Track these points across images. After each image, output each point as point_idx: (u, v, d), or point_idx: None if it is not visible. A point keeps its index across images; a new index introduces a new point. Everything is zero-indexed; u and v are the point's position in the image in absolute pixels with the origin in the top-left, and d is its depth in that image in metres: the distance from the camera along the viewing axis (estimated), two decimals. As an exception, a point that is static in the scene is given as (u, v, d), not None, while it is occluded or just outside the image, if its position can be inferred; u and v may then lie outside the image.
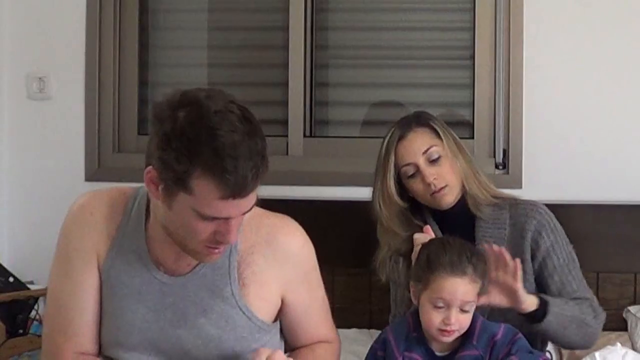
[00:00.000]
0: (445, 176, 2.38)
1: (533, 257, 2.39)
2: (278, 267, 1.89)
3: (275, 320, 1.94)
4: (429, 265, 2.08)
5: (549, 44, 3.14)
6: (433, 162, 2.39)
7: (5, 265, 3.18)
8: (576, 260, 2.42)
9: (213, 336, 1.84)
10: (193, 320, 1.84)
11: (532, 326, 2.23)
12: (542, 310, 2.22)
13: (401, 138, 2.42)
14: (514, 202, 2.45)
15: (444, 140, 2.41)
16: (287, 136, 3.34)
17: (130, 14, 3.44)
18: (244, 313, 1.85)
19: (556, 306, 2.24)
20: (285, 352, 1.95)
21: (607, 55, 3.12)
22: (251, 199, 1.70)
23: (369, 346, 2.21)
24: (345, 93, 3.44)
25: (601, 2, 3.13)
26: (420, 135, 2.41)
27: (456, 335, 2.07)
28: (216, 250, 1.77)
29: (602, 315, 2.38)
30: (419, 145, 2.40)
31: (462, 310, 2.05)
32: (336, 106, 3.45)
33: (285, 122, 3.36)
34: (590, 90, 3.13)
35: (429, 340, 2.11)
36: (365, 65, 3.39)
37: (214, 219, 1.69)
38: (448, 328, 2.04)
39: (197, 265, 1.85)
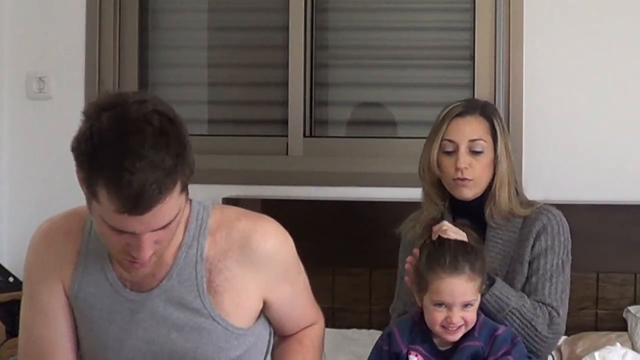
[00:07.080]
0: (476, 171, 2.34)
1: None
2: (255, 271, 1.81)
3: (257, 319, 1.88)
4: (427, 268, 2.11)
5: (549, 44, 3.14)
6: (474, 153, 2.35)
7: (5, 265, 3.18)
8: (566, 274, 2.35)
9: (188, 350, 1.80)
10: (166, 335, 1.79)
11: None
12: (485, 288, 2.19)
13: (460, 115, 2.39)
14: (529, 208, 2.40)
15: (498, 140, 2.37)
16: (287, 136, 3.34)
17: (130, 14, 3.44)
18: (218, 323, 1.79)
19: (498, 290, 2.21)
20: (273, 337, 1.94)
21: (607, 56, 3.11)
22: (159, 216, 1.59)
23: (369, 346, 2.23)
24: (345, 93, 3.44)
25: (601, 2, 3.13)
26: (477, 123, 2.38)
27: (463, 331, 2.09)
28: (136, 265, 1.69)
29: (557, 328, 2.30)
30: (470, 131, 2.37)
31: (465, 307, 2.07)
32: (336, 106, 3.44)
33: (285, 122, 3.35)
34: (590, 90, 3.13)
35: (433, 335, 2.13)
36: (365, 65, 3.38)
37: (121, 231, 1.61)
38: (451, 327, 2.06)
39: (163, 278, 1.78)
